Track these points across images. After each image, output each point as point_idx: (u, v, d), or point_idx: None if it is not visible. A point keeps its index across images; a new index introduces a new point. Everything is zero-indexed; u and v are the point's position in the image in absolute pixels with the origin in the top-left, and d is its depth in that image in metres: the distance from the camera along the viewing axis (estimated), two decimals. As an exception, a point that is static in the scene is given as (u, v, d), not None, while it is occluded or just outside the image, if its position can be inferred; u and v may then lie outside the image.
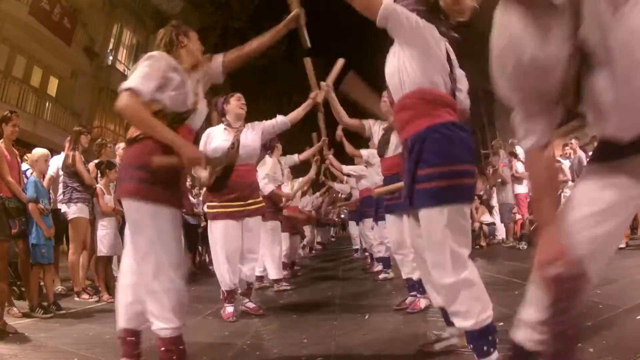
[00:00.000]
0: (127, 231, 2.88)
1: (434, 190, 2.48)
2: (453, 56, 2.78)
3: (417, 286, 4.44)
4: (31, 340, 4.01)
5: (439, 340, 3.15)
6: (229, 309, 4.77)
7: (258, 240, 5.13)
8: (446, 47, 2.71)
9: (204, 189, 5.41)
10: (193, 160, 2.72)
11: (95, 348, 3.68)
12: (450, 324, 2.95)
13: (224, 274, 4.72)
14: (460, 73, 2.84)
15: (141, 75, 2.67)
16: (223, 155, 4.65)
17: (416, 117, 2.59)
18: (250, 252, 5.01)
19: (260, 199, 5.14)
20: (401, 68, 2.63)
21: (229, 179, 4.45)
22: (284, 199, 7.16)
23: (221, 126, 4.95)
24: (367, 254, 9.83)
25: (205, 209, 5.53)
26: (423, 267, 2.91)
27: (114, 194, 6.69)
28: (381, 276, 7.13)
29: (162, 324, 2.64)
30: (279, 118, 5.04)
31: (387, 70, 2.77)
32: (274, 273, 6.75)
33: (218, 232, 4.73)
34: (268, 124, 5.05)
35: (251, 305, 5.03)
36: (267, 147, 6.50)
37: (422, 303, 4.39)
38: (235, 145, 4.75)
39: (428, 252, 2.57)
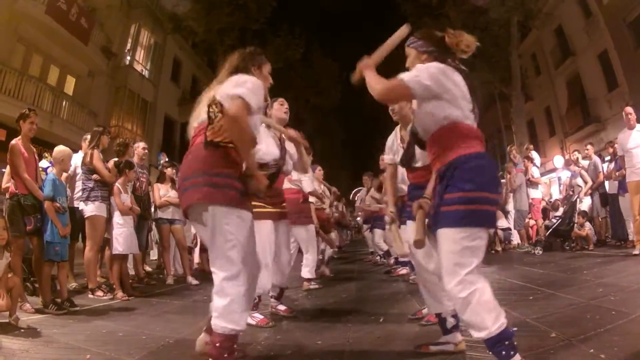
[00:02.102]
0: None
1: (459, 212, 2.61)
2: (470, 90, 2.93)
3: None
4: (43, 335, 3.99)
5: (435, 343, 3.25)
6: (258, 315, 4.56)
7: (289, 245, 5.08)
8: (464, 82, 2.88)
9: None
10: (260, 190, 2.99)
11: (108, 345, 3.65)
12: (446, 332, 3.21)
13: (263, 276, 4.55)
14: (476, 110, 2.99)
15: (251, 89, 2.89)
16: (274, 169, 4.68)
17: (450, 148, 2.75)
18: (281, 256, 4.93)
19: (285, 204, 5.01)
20: (435, 110, 2.80)
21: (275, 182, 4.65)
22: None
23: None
24: (390, 258, 9.76)
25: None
26: (424, 276, 3.28)
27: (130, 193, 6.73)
28: (411, 277, 7.09)
29: (226, 325, 2.77)
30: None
31: (417, 118, 3.03)
32: (306, 272, 6.76)
33: (262, 233, 4.44)
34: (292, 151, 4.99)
35: (282, 307, 4.96)
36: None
37: (425, 310, 4.29)
38: (284, 155, 4.77)
39: (443, 267, 2.68)
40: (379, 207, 9.65)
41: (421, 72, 2.76)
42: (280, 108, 4.96)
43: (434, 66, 2.81)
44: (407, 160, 4.66)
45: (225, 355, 2.77)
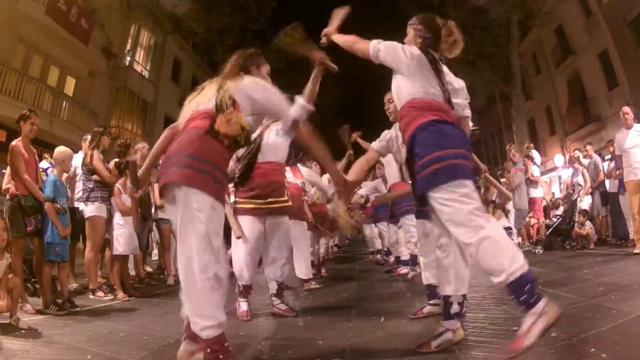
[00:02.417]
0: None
1: (430, 174, 2.88)
2: (447, 71, 3.32)
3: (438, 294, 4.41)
4: (44, 336, 4.00)
5: (435, 337, 3.21)
6: (244, 306, 4.73)
7: (285, 239, 5.05)
8: (439, 66, 3.25)
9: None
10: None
11: (108, 345, 3.65)
12: (448, 317, 3.20)
13: (244, 268, 4.67)
14: (458, 85, 3.40)
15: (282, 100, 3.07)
16: (246, 160, 4.68)
17: (410, 121, 3.11)
18: (278, 252, 4.95)
19: (285, 198, 5.02)
20: (399, 86, 3.23)
21: (251, 176, 4.63)
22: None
23: None
24: (390, 256, 9.76)
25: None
26: (436, 255, 3.32)
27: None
28: (410, 274, 7.11)
29: (204, 322, 2.70)
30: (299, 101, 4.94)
31: (392, 91, 3.39)
32: (302, 273, 6.73)
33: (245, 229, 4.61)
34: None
35: (283, 307, 4.93)
36: (298, 157, 6.85)
37: (426, 309, 4.34)
38: (257, 142, 4.72)
39: (449, 226, 2.87)
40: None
41: (386, 46, 3.19)
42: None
43: (410, 47, 3.22)
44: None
45: (221, 357, 2.72)
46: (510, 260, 2.61)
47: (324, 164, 3.24)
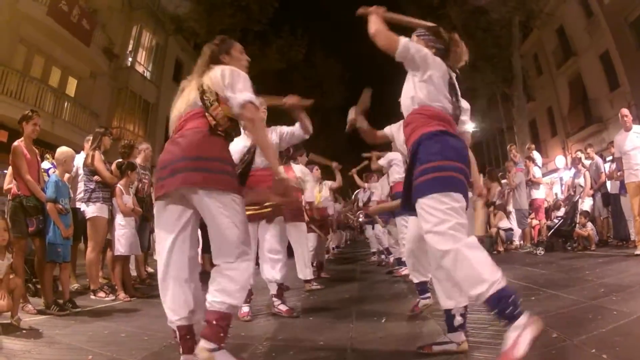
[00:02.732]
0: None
1: (429, 181, 2.87)
2: (457, 88, 3.30)
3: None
4: (45, 336, 4.00)
5: (438, 343, 3.23)
6: (245, 308, 4.76)
7: (280, 240, 5.06)
8: (452, 80, 3.25)
9: None
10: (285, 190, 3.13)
11: (109, 346, 3.66)
12: (452, 329, 3.16)
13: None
14: (465, 105, 3.42)
15: (249, 88, 2.99)
16: (241, 167, 4.70)
17: (416, 128, 3.09)
18: (273, 253, 4.96)
19: (270, 203, 5.04)
20: (414, 89, 3.16)
21: (245, 183, 4.51)
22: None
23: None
24: (390, 257, 9.77)
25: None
26: (434, 269, 3.26)
27: (133, 194, 6.74)
28: (403, 272, 7.22)
29: (226, 300, 2.76)
30: (297, 127, 4.99)
31: (402, 93, 3.29)
32: (303, 274, 6.76)
33: None
34: (286, 130, 5.00)
35: (283, 307, 4.97)
36: (289, 155, 6.83)
37: (420, 303, 4.49)
38: (251, 150, 4.73)
39: (428, 236, 2.85)
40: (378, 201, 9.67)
41: (416, 46, 3.13)
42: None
43: (429, 52, 3.17)
44: None
45: (221, 335, 2.76)
46: (490, 271, 2.57)
47: (265, 154, 3.22)
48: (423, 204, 2.87)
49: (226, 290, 2.76)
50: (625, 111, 8.02)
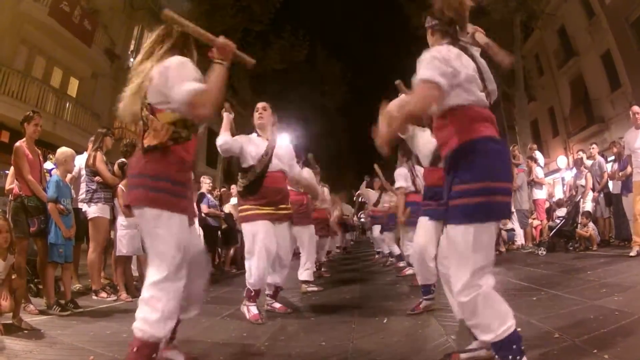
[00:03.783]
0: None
1: (465, 207, 2.49)
2: (485, 69, 2.86)
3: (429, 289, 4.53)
4: (47, 337, 4.01)
5: (466, 350, 3.05)
6: (254, 309, 4.73)
7: (289, 249, 5.16)
8: (478, 62, 2.82)
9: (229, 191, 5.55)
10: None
11: (111, 346, 3.66)
12: (475, 337, 2.92)
13: (262, 272, 4.70)
14: (492, 87, 2.89)
15: (193, 77, 2.75)
16: (259, 168, 4.80)
17: (453, 134, 2.64)
18: (281, 259, 5.06)
19: (289, 205, 5.21)
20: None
21: (262, 185, 4.76)
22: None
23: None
24: (393, 258, 9.80)
25: (238, 213, 5.46)
26: (445, 276, 3.02)
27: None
28: (407, 272, 7.39)
29: (148, 329, 2.65)
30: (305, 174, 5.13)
31: None
32: (304, 275, 6.77)
33: (260, 231, 4.71)
34: (297, 171, 5.42)
35: (277, 305, 5.11)
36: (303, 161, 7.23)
37: (422, 304, 4.54)
38: (269, 153, 4.86)
39: (452, 267, 2.61)
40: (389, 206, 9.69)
41: (432, 62, 2.56)
42: (255, 115, 5.15)
43: (437, 50, 2.66)
44: (434, 157, 4.66)
45: None
46: (500, 322, 2.43)
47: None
48: (453, 232, 2.57)
49: (147, 321, 2.67)
50: (636, 108, 8.01)
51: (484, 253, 2.50)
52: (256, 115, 5.10)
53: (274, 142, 5.03)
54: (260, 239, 4.67)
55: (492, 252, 2.58)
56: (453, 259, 2.59)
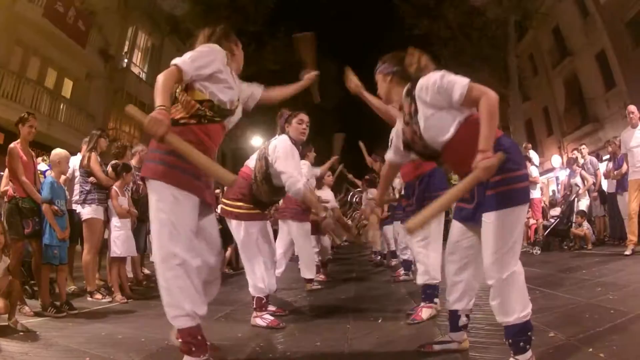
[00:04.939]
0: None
1: (504, 193, 2.64)
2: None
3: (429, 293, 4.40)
4: (42, 338, 3.99)
5: (439, 342, 3.27)
6: (268, 316, 4.50)
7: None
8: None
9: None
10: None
11: (106, 347, 3.65)
12: (455, 329, 3.17)
13: (267, 277, 4.53)
14: None
15: (190, 56, 2.83)
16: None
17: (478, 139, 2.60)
18: (278, 257, 5.02)
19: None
20: (441, 118, 2.80)
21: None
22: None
23: (285, 137, 4.72)
24: (389, 259, 9.78)
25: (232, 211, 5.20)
26: (452, 267, 3.09)
27: (128, 196, 6.74)
28: (402, 277, 7.25)
29: (172, 311, 2.76)
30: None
31: (426, 127, 2.87)
32: (306, 273, 6.76)
33: (258, 233, 4.58)
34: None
35: (272, 308, 4.88)
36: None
37: (425, 313, 4.27)
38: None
39: (489, 251, 2.66)
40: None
41: (450, 76, 2.75)
42: (298, 127, 4.82)
43: (438, 72, 2.83)
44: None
45: (193, 349, 2.78)
46: (523, 306, 2.58)
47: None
48: (491, 218, 2.66)
49: (168, 303, 2.76)
50: (632, 107, 8.07)
51: (516, 235, 2.66)
52: (299, 127, 4.81)
53: None
54: (260, 241, 4.59)
55: (522, 237, 2.82)
56: (495, 242, 2.63)
